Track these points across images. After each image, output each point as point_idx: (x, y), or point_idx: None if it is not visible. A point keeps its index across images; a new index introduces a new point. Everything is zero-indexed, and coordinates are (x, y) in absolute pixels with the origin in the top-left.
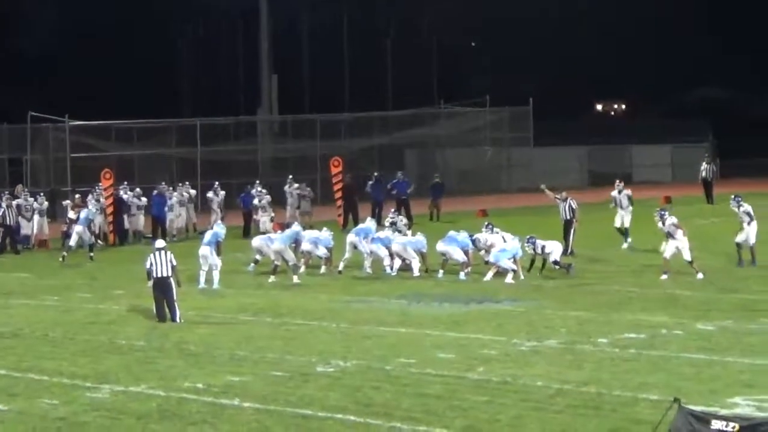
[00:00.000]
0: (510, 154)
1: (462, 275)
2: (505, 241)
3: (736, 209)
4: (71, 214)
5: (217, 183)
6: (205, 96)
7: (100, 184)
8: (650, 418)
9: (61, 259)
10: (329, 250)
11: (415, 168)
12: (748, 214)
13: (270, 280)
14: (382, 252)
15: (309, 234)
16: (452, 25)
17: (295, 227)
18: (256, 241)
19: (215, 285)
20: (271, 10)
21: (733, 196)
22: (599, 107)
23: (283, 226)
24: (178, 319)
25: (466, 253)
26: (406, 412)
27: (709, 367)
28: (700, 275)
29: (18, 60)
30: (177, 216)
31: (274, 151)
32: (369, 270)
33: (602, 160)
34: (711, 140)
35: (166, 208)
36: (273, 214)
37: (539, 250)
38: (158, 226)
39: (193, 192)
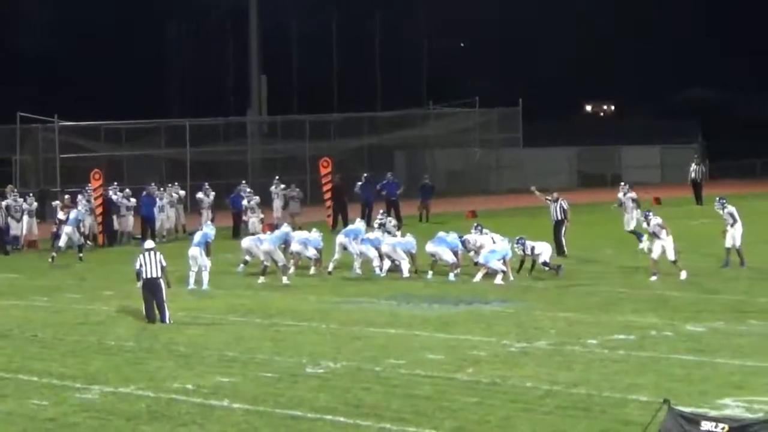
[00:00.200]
0: (499, 155)
1: (451, 276)
2: (494, 243)
3: (720, 211)
4: (60, 215)
5: (207, 184)
6: (195, 97)
7: (90, 184)
8: (640, 420)
9: (50, 259)
10: (319, 251)
11: (405, 169)
12: (732, 215)
13: (259, 281)
14: (372, 253)
15: (298, 235)
16: (441, 25)
17: (285, 228)
18: (246, 242)
19: (204, 286)
20: (260, 11)
21: (717, 198)
22: (588, 108)
23: (273, 227)
24: (167, 320)
25: (455, 254)
26: (395, 413)
27: (698, 368)
28: (683, 274)
29: (6, 60)
30: (167, 217)
31: (264, 152)
32: (358, 271)
33: (591, 161)
34: (700, 141)
35: (156, 209)
36: (262, 216)
37: (528, 251)
38: (147, 226)
39: (182, 193)
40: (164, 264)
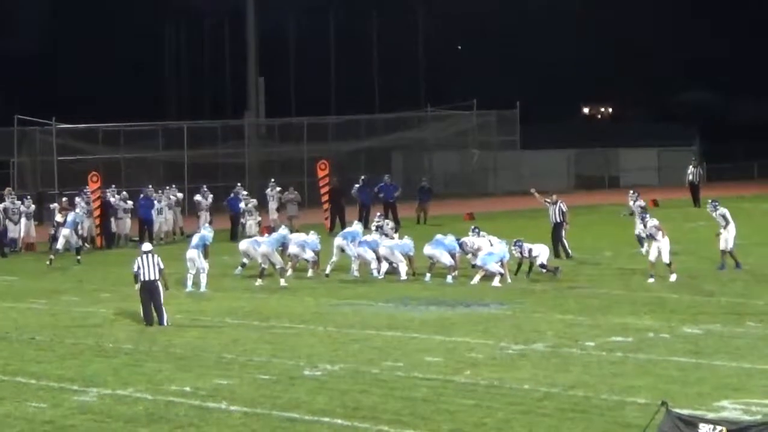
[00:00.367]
0: (497, 158)
1: (449, 279)
2: (491, 245)
3: (713, 213)
4: (58, 217)
5: (205, 186)
6: (192, 99)
7: (87, 187)
8: (638, 422)
9: (48, 262)
10: (316, 253)
11: (402, 171)
12: (724, 217)
13: (257, 284)
14: (369, 255)
15: (296, 237)
16: (439, 28)
17: (282, 231)
18: (243, 245)
19: (202, 288)
20: (258, 14)
21: (710, 201)
22: (586, 111)
23: (270, 230)
24: (165, 323)
25: (453, 256)
26: (393, 415)
27: (696, 370)
28: (673, 277)
29: (4, 63)
30: (165, 220)
31: (261, 155)
32: (356, 273)
33: (589, 164)
34: (698, 144)
35: (155, 212)
36: (260, 219)
37: (526, 254)
38: (145, 229)
39: (180, 195)
40: (162, 266)
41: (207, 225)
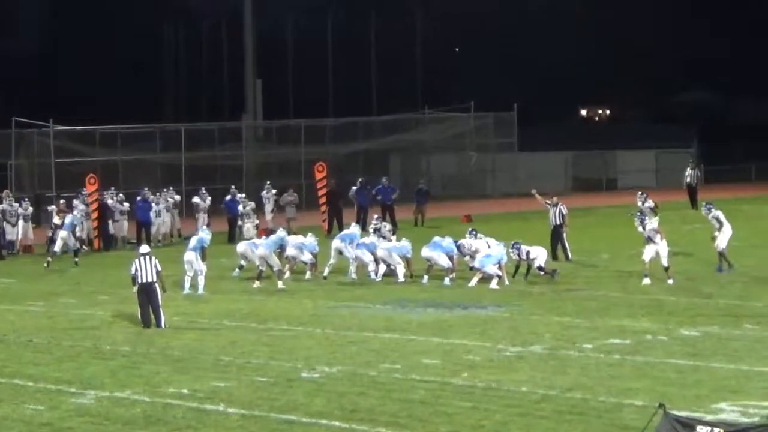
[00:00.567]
0: (494, 160)
1: (447, 281)
2: (489, 247)
3: (707, 216)
4: (56, 220)
5: (204, 188)
6: (190, 101)
7: (85, 189)
8: (635, 424)
9: (45, 264)
10: (314, 255)
11: (400, 173)
12: (717, 219)
13: (255, 286)
14: (367, 257)
15: (294, 239)
16: (437, 30)
17: (280, 233)
18: (241, 247)
19: (200, 290)
20: (256, 15)
21: (704, 203)
22: (584, 113)
23: (268, 232)
24: (163, 325)
25: (450, 258)
26: (391, 417)
27: (694, 372)
28: (670, 281)
29: (1, 64)
30: (163, 222)
31: (259, 157)
32: (354, 276)
33: (587, 166)
34: (695, 146)
35: (153, 214)
36: (257, 221)
37: (524, 256)
38: (142, 231)
39: (177, 197)
40: (159, 269)
41: (205, 227)
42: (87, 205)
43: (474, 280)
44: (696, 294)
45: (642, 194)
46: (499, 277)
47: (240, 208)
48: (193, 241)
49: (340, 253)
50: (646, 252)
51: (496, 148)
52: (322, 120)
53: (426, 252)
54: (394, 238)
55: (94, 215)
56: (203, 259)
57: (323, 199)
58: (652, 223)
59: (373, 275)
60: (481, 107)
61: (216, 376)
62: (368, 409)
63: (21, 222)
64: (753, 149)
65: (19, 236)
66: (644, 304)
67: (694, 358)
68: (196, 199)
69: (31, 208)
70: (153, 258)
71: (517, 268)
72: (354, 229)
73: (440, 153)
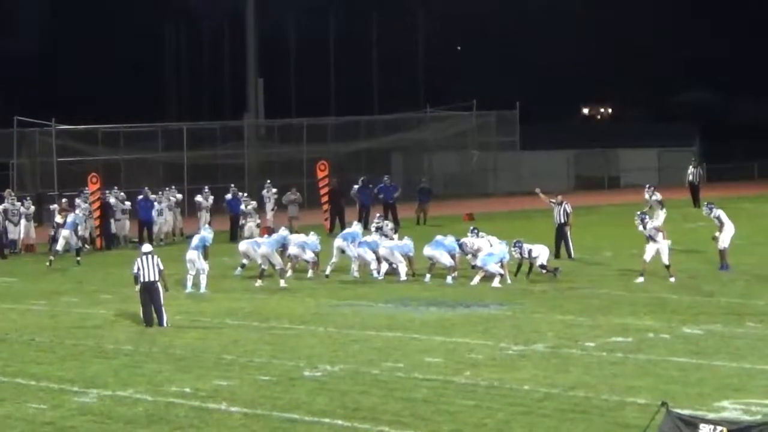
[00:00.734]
0: (497, 158)
1: (449, 279)
2: (491, 246)
3: (709, 215)
4: (58, 219)
5: (207, 187)
6: (192, 100)
7: (87, 188)
8: (638, 422)
9: (48, 263)
10: (316, 254)
11: (402, 172)
12: (719, 219)
13: (257, 284)
14: (369, 256)
15: (296, 238)
16: (439, 29)
17: (282, 232)
18: (243, 245)
19: (202, 289)
20: (258, 15)
21: (706, 203)
22: (586, 111)
23: (270, 231)
24: (165, 324)
25: (453, 257)
26: (393, 416)
27: (696, 370)
28: (672, 279)
29: (3, 64)
30: (165, 221)
31: (261, 156)
32: (356, 274)
33: (589, 164)
34: (698, 144)
35: (155, 212)
36: (259, 220)
37: (526, 254)
38: (144, 230)
39: (179, 196)
40: (162, 267)
41: (207, 226)
42: (90, 204)
43: (476, 279)
44: (698, 292)
45: (650, 187)
46: (501, 275)
47: (242, 207)
48: (195, 240)
49: (343, 252)
50: (647, 251)
51: (498, 146)
52: (324, 119)
53: (428, 251)
54: (396, 236)
55: (96, 214)
56: (205, 257)
57: (325, 198)
58: (654, 221)
59: (375, 274)
60: (483, 106)
61: (218, 374)
62: (371, 407)
63: (23, 221)
64: (755, 148)
65: (22, 235)
66: (647, 302)
67: (696, 356)
68: (198, 198)
69: (33, 207)
70: (155, 257)
71: (519, 266)
72: (356, 227)
73: (442, 152)
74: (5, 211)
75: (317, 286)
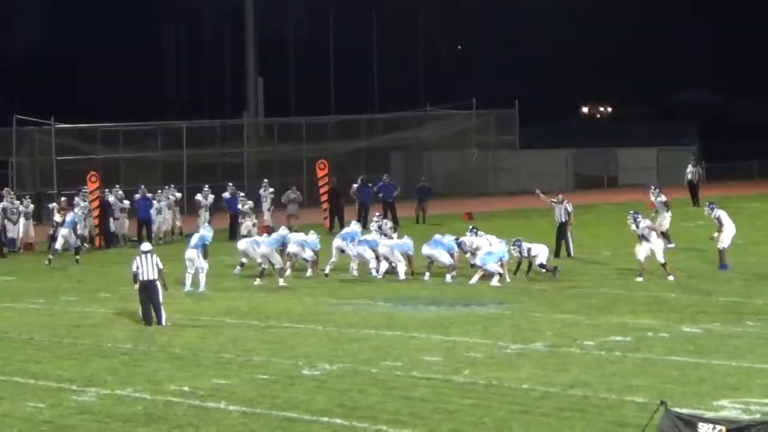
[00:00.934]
0: (496, 157)
1: (448, 278)
2: (490, 244)
3: (710, 215)
4: (57, 217)
5: (207, 186)
6: (191, 99)
7: (86, 187)
8: (636, 421)
9: (47, 262)
10: (315, 252)
11: (401, 171)
12: (719, 220)
13: (256, 283)
14: (368, 254)
15: (296, 236)
16: (438, 28)
17: (282, 231)
18: (242, 244)
19: (201, 288)
20: (257, 13)
21: (707, 203)
22: (585, 110)
23: (269, 230)
24: (164, 322)
25: (452, 256)
26: (392, 415)
27: (695, 369)
28: (671, 277)
29: (2, 63)
30: (164, 219)
31: (260, 154)
32: (355, 273)
33: (588, 163)
34: (697, 143)
35: (154, 211)
36: (256, 220)
37: (525, 254)
38: (143, 229)
39: (178, 195)
40: (161, 266)
41: (207, 224)
42: (88, 202)
43: (475, 278)
44: (697, 291)
45: (655, 189)
46: (501, 275)
47: (239, 206)
48: (194, 239)
49: (342, 251)
50: (640, 250)
51: (497, 145)
52: (323, 117)
53: (427, 250)
54: (395, 235)
55: (95, 213)
56: (205, 256)
57: (325, 197)
58: (646, 221)
59: (374, 272)
60: (482, 105)
61: (217, 373)
62: (369, 406)
63: (22, 220)
64: (754, 147)
65: (21, 234)
66: (646, 301)
67: (695, 355)
68: (198, 197)
69: (32, 206)
70: (154, 256)
71: (519, 265)
72: (354, 227)
73: (441, 151)
74: (4, 209)
75: (316, 284)
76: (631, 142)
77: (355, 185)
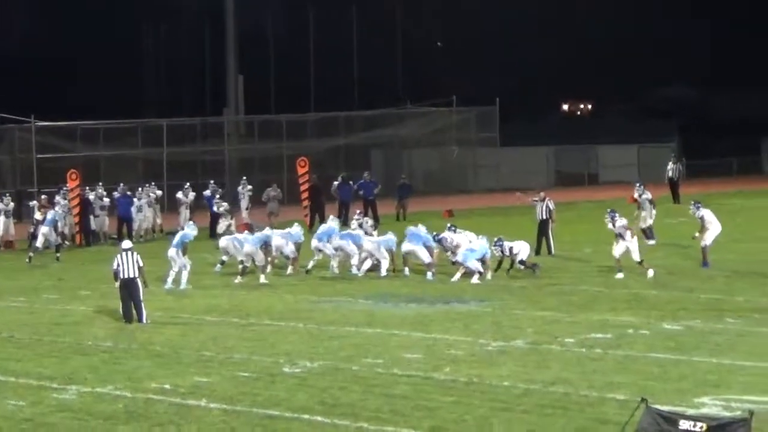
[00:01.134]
0: (476, 155)
1: (429, 276)
2: (470, 242)
3: (694, 214)
4: (38, 215)
5: (188, 184)
6: (171, 97)
7: (67, 185)
8: (617, 418)
9: (27, 260)
10: (298, 245)
11: (382, 168)
12: (702, 219)
13: (236, 281)
14: (351, 248)
15: (279, 231)
16: (419, 25)
17: (267, 231)
18: (223, 242)
19: (183, 285)
20: (237, 11)
21: (692, 202)
22: (565, 107)
23: (248, 227)
24: (144, 320)
25: (429, 250)
26: (372, 412)
27: (676, 366)
28: (650, 272)
29: None
30: (144, 217)
31: (241, 152)
32: (336, 270)
33: (569, 161)
34: (677, 140)
35: (134, 209)
36: (231, 221)
37: (507, 252)
38: (124, 227)
39: (159, 193)
40: (141, 264)
41: (191, 223)
42: (68, 200)
43: (457, 275)
44: (678, 288)
45: (640, 186)
46: (481, 273)
47: (214, 208)
48: (177, 237)
49: (320, 251)
50: (616, 248)
51: (477, 143)
52: (303, 115)
53: (407, 246)
54: (375, 233)
55: (76, 211)
56: (184, 253)
57: (305, 194)
58: (622, 219)
59: (354, 270)
60: (462, 102)
61: (198, 371)
62: (350, 403)
63: (2, 218)
64: (734, 144)
65: (1, 232)
66: (626, 298)
67: (676, 352)
68: (179, 195)
69: (12, 204)
70: (135, 253)
71: (500, 263)
72: (331, 223)
73: (422, 148)
74: None
75: (297, 282)
76: (611, 139)
77: (335, 183)
